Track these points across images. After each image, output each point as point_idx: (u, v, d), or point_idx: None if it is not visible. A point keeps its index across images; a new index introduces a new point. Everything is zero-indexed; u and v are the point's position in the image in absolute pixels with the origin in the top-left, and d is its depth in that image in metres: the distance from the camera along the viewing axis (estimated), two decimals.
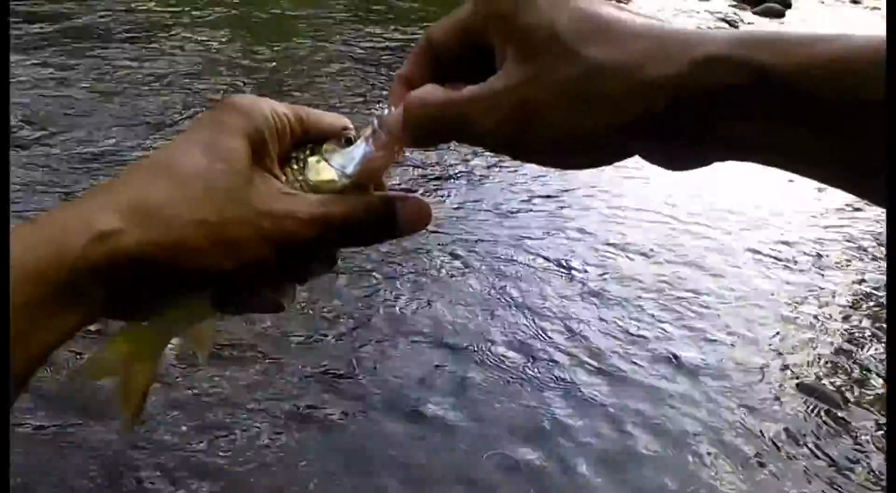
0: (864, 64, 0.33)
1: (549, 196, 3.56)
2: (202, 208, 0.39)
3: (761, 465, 2.17)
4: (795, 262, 3.22)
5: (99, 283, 0.38)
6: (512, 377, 2.41)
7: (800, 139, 0.35)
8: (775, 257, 3.22)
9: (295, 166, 0.45)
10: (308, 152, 0.45)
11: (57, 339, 0.38)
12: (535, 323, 2.67)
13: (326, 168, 0.45)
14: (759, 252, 3.24)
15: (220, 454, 2.06)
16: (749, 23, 7.22)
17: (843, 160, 0.35)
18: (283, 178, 0.44)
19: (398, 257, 2.97)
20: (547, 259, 3.05)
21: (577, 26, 0.38)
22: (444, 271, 2.94)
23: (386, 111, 0.44)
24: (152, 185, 0.40)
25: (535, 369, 2.45)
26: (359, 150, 0.45)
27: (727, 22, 7.07)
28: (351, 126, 0.47)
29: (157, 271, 0.39)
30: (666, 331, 2.70)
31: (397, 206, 0.44)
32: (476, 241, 3.14)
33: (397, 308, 2.70)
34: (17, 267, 0.36)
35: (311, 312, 2.63)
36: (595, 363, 2.51)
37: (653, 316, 2.77)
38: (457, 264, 2.97)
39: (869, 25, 7.22)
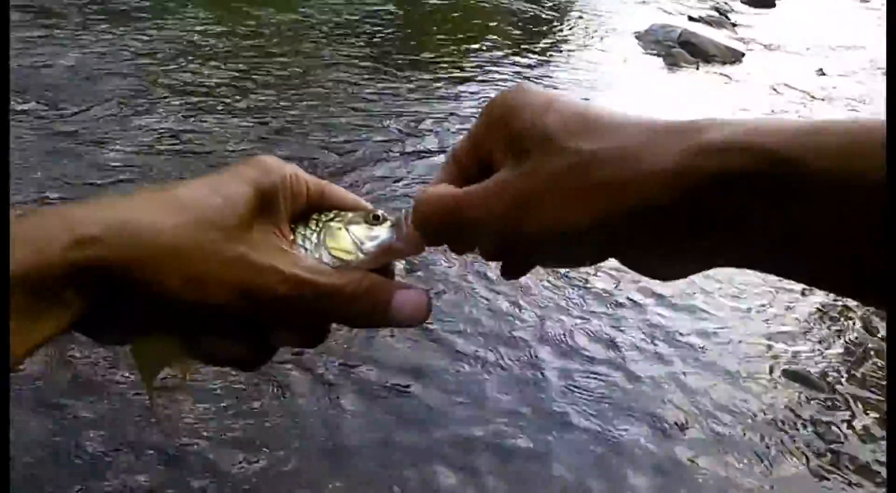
0: (874, 146, 0.32)
1: None
2: (183, 236, 0.39)
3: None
4: None
5: (75, 289, 0.37)
6: None
7: (805, 220, 0.33)
8: None
9: (312, 226, 0.44)
10: (331, 216, 0.45)
11: (35, 343, 0.37)
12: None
13: (346, 237, 0.44)
14: None
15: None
16: (738, 12, 7.22)
17: (840, 253, 0.34)
18: (291, 236, 0.43)
19: None
20: None
21: (566, 124, 0.39)
22: None
23: (408, 211, 0.44)
24: (144, 207, 0.39)
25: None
26: (384, 233, 0.44)
27: (718, 10, 7.06)
28: (379, 213, 0.46)
29: (128, 289, 0.38)
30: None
31: (395, 294, 0.42)
32: None
33: None
34: None
35: None
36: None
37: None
38: None
39: (862, 21, 7.24)
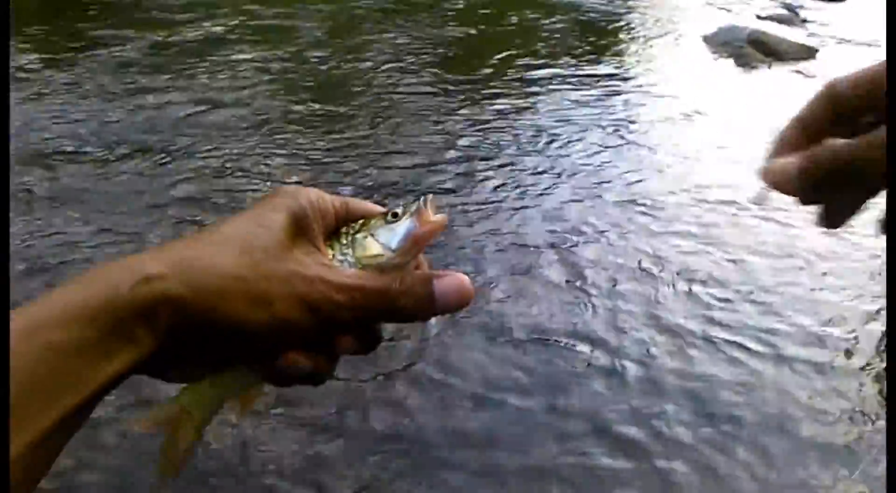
0: None
1: None
2: (239, 264, 0.42)
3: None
4: None
5: (145, 325, 0.40)
6: None
7: None
8: None
9: (343, 241, 0.47)
10: (356, 228, 0.48)
11: (108, 379, 0.39)
12: None
13: (373, 243, 0.47)
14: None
15: None
16: (808, 8, 7.16)
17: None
18: (329, 253, 0.46)
19: None
20: None
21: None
22: None
23: (425, 198, 0.48)
24: (198, 243, 0.43)
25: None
26: (403, 225, 0.47)
27: (786, 7, 7.02)
28: (396, 210, 0.49)
29: (197, 319, 0.41)
30: None
31: (434, 283, 0.45)
32: None
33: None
34: (71, 306, 0.39)
35: None
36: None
37: None
38: None
39: None
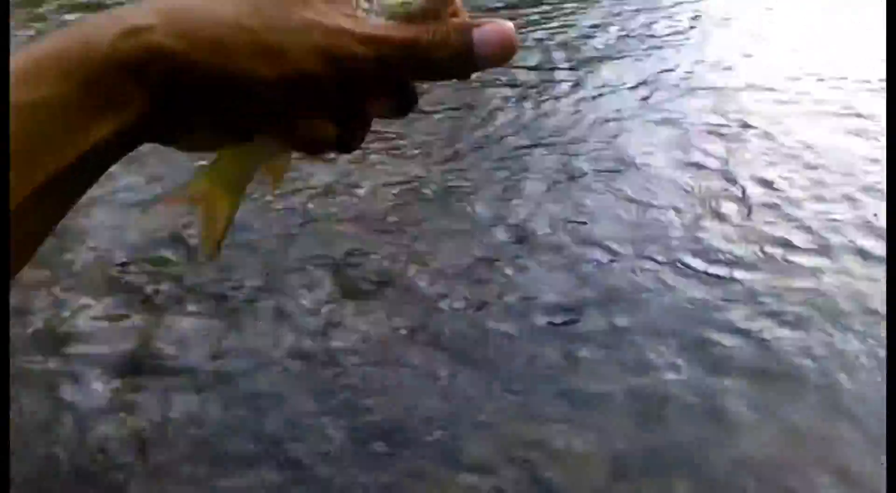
0: None
1: None
2: (244, 13, 0.37)
3: None
4: None
5: (133, 82, 0.35)
6: None
7: None
8: None
9: None
10: None
11: (92, 145, 0.35)
12: None
13: None
14: None
15: None
16: None
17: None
18: (353, 1, 0.40)
19: None
20: None
21: None
22: None
23: None
24: None
25: None
26: None
27: None
28: None
29: (196, 75, 0.36)
30: None
31: (474, 32, 0.39)
32: None
33: None
34: (41, 60, 0.34)
35: None
36: None
37: None
38: None
39: None
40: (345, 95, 0.39)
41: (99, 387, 2.08)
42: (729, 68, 3.99)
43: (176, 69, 0.35)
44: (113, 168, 0.38)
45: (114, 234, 2.69)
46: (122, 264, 2.54)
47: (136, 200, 2.80)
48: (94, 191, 0.41)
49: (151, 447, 1.91)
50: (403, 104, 0.41)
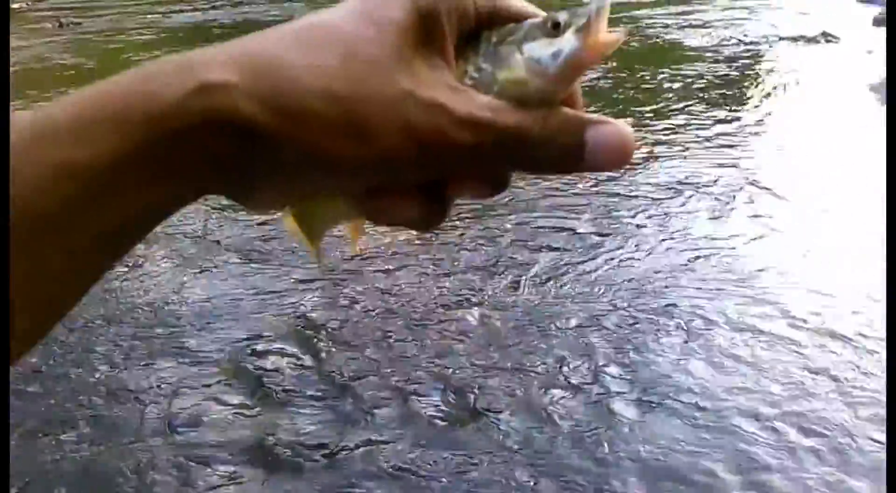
0: None
1: None
2: (335, 78, 0.31)
3: None
4: None
5: (199, 149, 0.30)
6: None
7: None
8: None
9: (482, 51, 0.36)
10: (502, 36, 0.36)
11: (137, 210, 0.31)
12: None
13: (520, 62, 0.35)
14: None
15: None
16: None
17: None
18: (460, 69, 0.35)
19: None
20: None
21: None
22: None
23: (599, 5, 0.34)
24: (279, 42, 0.32)
25: None
26: (567, 42, 0.34)
27: None
28: (559, 19, 0.35)
29: (269, 146, 0.31)
30: None
31: (589, 130, 0.34)
32: None
33: None
34: (96, 113, 0.29)
35: None
36: None
37: None
38: None
39: None
40: (425, 176, 0.34)
41: None
42: None
43: (250, 139, 0.31)
44: None
45: None
46: None
47: None
48: None
49: None
50: (493, 187, 0.37)
